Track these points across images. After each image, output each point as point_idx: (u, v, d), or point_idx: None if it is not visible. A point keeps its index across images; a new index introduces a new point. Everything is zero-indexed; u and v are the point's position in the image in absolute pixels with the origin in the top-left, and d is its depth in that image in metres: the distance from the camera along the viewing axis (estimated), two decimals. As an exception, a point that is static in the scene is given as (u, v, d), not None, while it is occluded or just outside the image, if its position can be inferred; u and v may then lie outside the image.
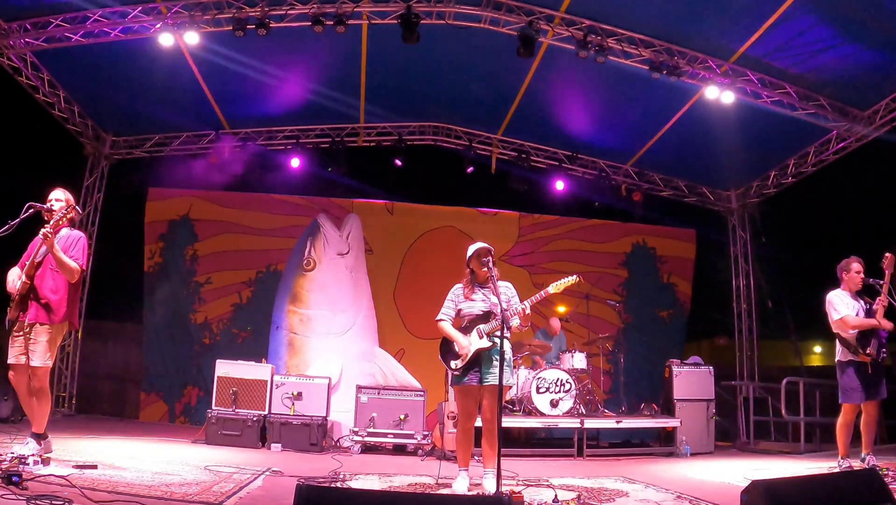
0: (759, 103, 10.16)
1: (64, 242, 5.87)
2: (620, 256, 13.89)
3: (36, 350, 5.76)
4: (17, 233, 5.87)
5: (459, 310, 6.03)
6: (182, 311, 12.40)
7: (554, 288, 5.88)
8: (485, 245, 5.93)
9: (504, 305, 5.58)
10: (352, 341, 12.48)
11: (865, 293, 7.32)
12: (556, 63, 10.27)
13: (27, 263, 5.83)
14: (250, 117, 12.32)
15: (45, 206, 5.88)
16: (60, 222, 5.91)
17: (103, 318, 12.77)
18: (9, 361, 5.82)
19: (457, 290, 6.13)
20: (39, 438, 5.81)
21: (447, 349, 5.99)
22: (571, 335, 11.79)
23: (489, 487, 5.59)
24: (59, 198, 6.02)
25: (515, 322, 5.80)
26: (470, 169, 12.97)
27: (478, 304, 5.96)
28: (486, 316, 5.90)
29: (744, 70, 9.93)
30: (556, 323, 11.27)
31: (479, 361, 5.82)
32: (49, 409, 5.97)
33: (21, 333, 5.80)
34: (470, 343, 5.81)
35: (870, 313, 7.09)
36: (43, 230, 5.70)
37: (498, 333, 5.75)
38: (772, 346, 14.52)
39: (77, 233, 6.08)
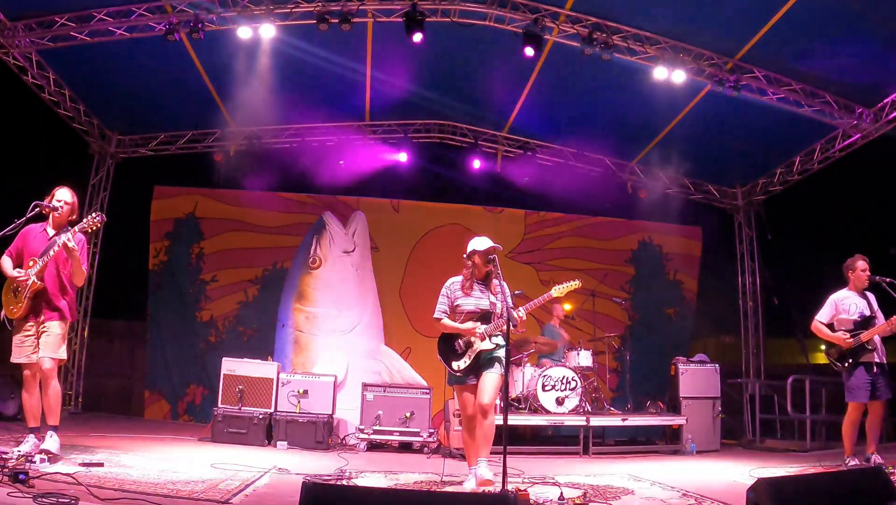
0: (765, 100, 10.13)
1: None
2: (627, 253, 13.88)
3: (50, 342, 5.84)
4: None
5: (457, 306, 5.95)
6: (188, 309, 12.43)
7: (557, 292, 5.91)
8: (493, 244, 5.87)
9: (504, 305, 5.58)
10: (358, 339, 12.51)
11: (872, 290, 7.35)
12: (562, 60, 10.25)
13: (33, 262, 5.85)
14: (255, 115, 12.31)
15: (49, 205, 5.91)
16: (90, 229, 5.96)
17: (109, 316, 12.79)
18: (20, 361, 5.86)
19: (452, 284, 6.04)
20: (56, 429, 5.90)
21: (448, 349, 5.94)
22: (578, 332, 11.76)
23: (484, 474, 5.57)
24: (66, 200, 6.04)
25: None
26: (475, 166, 12.97)
27: (476, 301, 5.90)
28: (485, 316, 5.87)
29: (749, 67, 9.90)
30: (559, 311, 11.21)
31: (479, 360, 5.81)
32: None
33: (33, 332, 5.85)
34: (473, 341, 5.79)
35: (869, 322, 7.11)
36: (65, 241, 5.74)
37: (497, 334, 5.77)
38: (778, 343, 14.48)
39: (80, 236, 6.12)
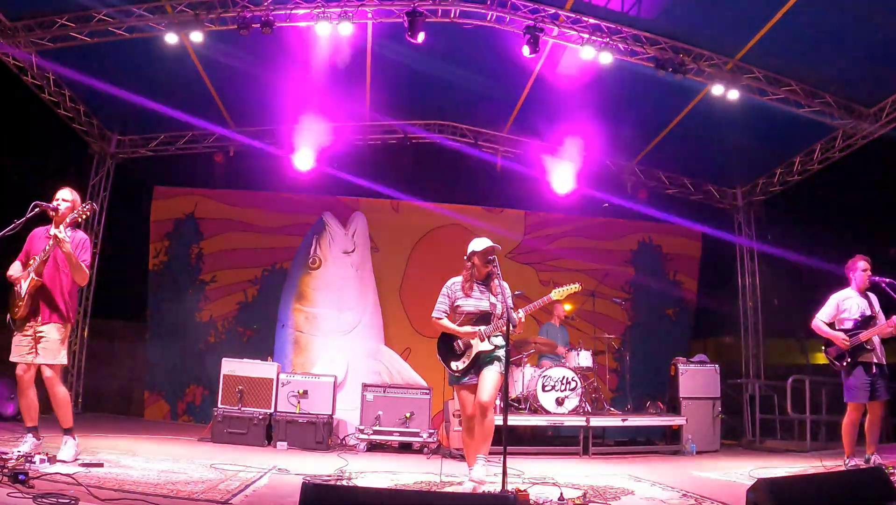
0: (765, 101, 10.13)
1: (71, 244, 5.91)
2: (627, 253, 13.89)
3: (50, 348, 5.84)
4: (23, 231, 5.93)
5: (457, 306, 5.96)
6: (187, 309, 12.42)
7: (556, 295, 5.93)
8: (492, 244, 5.89)
9: (504, 306, 5.60)
10: (358, 339, 12.51)
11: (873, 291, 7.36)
12: (562, 61, 10.24)
13: (33, 260, 5.86)
14: (255, 115, 12.32)
15: (50, 206, 5.92)
16: (80, 219, 5.98)
17: (109, 316, 12.79)
18: (14, 360, 5.85)
19: (453, 284, 6.05)
20: (70, 431, 5.95)
21: (447, 350, 5.95)
22: (578, 333, 11.76)
23: (477, 474, 5.58)
24: (66, 198, 6.05)
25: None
26: (475, 166, 12.98)
27: (476, 302, 5.91)
28: (485, 317, 5.87)
29: (749, 67, 9.89)
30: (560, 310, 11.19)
31: (478, 362, 5.81)
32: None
33: (31, 333, 5.85)
34: (472, 342, 5.81)
35: (869, 322, 7.11)
36: (55, 232, 5.74)
37: (497, 335, 5.77)
38: (778, 344, 14.48)
39: (82, 235, 6.15)
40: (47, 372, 5.83)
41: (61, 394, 5.95)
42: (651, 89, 10.38)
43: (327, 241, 12.88)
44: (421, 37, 9.14)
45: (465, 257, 6.01)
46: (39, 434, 5.91)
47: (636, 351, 12.17)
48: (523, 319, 5.71)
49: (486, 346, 5.76)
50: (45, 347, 5.82)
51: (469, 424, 5.89)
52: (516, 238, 13.52)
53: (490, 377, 5.71)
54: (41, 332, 5.84)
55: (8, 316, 5.95)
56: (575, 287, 5.97)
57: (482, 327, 5.81)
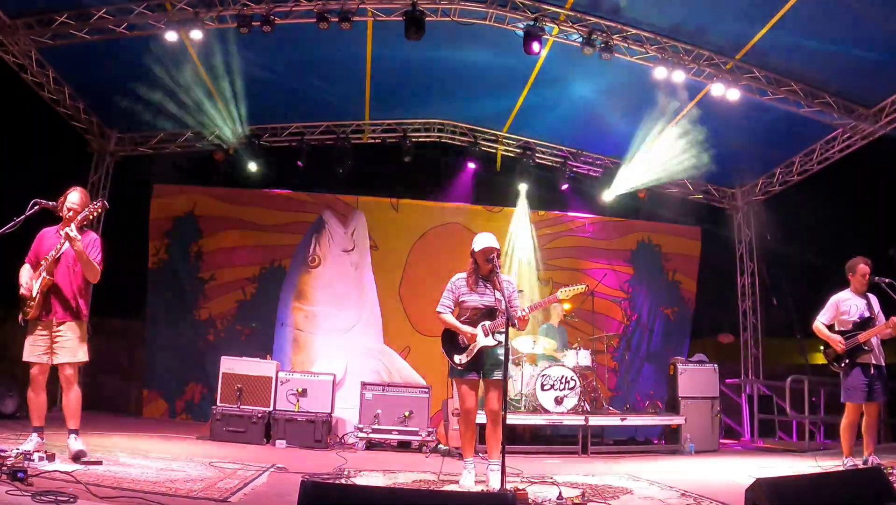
0: (765, 100, 10.14)
1: (82, 243, 5.91)
2: (626, 253, 13.87)
3: (69, 346, 5.87)
4: (23, 229, 5.91)
5: (462, 302, 6.04)
6: (186, 307, 12.40)
7: (563, 294, 6.04)
8: (490, 245, 5.92)
9: (507, 304, 5.63)
10: (357, 338, 12.50)
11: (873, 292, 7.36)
12: (562, 60, 10.24)
13: (45, 260, 5.85)
14: (255, 114, 12.30)
15: (50, 204, 5.91)
16: (91, 216, 5.99)
17: (108, 314, 12.74)
18: (30, 360, 5.84)
19: (457, 280, 6.13)
20: (77, 433, 5.94)
21: (451, 343, 6.03)
22: (576, 332, 11.76)
23: (494, 481, 5.61)
24: (73, 201, 6.03)
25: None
26: (474, 166, 12.99)
27: (481, 297, 5.98)
28: (490, 312, 5.93)
29: (749, 67, 9.90)
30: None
31: (482, 357, 5.86)
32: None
33: (46, 333, 5.84)
34: (475, 337, 5.85)
35: (868, 323, 7.11)
36: (67, 230, 5.75)
37: (501, 331, 5.79)
38: (777, 344, 14.49)
39: (92, 234, 6.17)
40: (67, 370, 5.85)
41: (76, 394, 5.97)
42: (650, 88, 10.38)
43: (327, 240, 12.87)
44: (419, 36, 9.14)
45: (470, 254, 6.07)
46: (44, 434, 5.91)
47: (635, 351, 12.16)
48: (527, 317, 5.79)
49: (490, 340, 5.85)
50: (64, 345, 5.84)
51: (467, 417, 6.02)
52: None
53: (500, 386, 5.71)
54: (58, 331, 5.85)
55: (20, 316, 5.95)
56: (581, 288, 6.07)
57: (486, 323, 5.86)
